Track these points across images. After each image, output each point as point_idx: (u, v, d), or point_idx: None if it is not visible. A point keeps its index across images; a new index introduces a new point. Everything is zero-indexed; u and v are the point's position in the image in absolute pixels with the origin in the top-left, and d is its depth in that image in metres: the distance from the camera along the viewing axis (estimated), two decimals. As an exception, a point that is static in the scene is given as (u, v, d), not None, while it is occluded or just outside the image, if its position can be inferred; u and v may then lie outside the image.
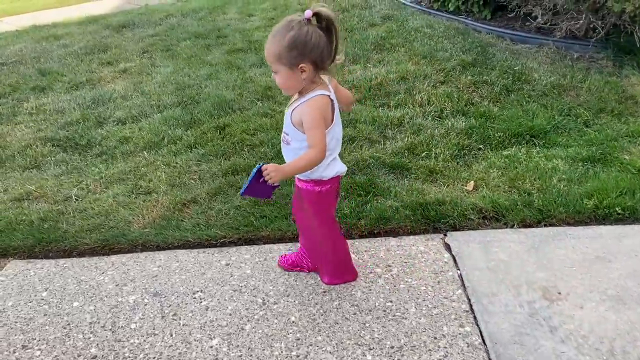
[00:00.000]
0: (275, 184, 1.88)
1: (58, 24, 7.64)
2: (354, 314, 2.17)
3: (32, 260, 2.67)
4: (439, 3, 5.67)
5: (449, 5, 5.54)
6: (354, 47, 5.07)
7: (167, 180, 3.15)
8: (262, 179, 1.84)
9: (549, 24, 4.52)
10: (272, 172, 1.81)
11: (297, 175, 2.08)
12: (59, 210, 2.92)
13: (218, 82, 4.46)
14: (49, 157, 3.49)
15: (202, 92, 4.35)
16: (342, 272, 2.35)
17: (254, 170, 1.83)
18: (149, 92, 4.43)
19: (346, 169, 2.11)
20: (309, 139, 1.86)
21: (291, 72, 1.81)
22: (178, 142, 3.55)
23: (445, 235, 2.61)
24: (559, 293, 2.19)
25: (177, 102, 4.19)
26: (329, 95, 1.90)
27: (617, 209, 2.59)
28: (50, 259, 2.66)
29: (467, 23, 5.31)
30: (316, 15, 1.78)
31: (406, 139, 3.40)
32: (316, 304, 2.24)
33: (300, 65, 1.79)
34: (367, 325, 2.11)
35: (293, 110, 1.91)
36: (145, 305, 2.31)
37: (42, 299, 2.39)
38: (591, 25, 3.98)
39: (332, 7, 6.62)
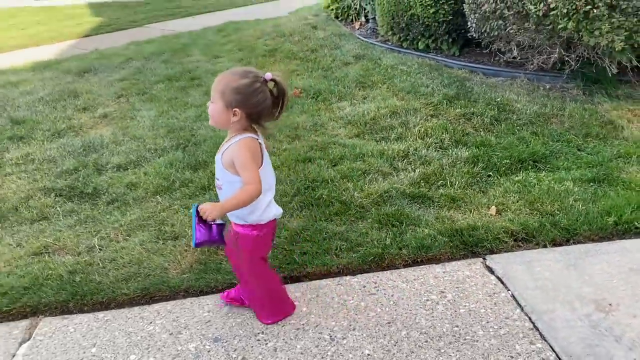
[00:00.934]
0: (218, 222, 2.01)
1: (5, 71, 7.31)
2: (426, 341, 2.22)
3: (66, 316, 2.52)
4: (408, 42, 5.96)
5: (419, 43, 5.85)
6: (337, 85, 5.23)
7: (190, 223, 3.08)
8: (204, 220, 1.97)
9: (519, 58, 4.87)
10: (207, 209, 1.94)
11: (234, 221, 2.17)
12: (86, 262, 2.78)
13: (210, 124, 4.44)
14: (55, 208, 3.32)
15: (196, 133, 4.32)
16: (280, 308, 2.39)
17: (192, 211, 1.98)
18: (141, 136, 4.34)
19: (282, 212, 2.22)
20: (245, 178, 1.98)
21: (225, 110, 1.97)
22: (190, 184, 3.50)
23: (484, 259, 2.72)
24: (610, 305, 2.33)
25: (174, 145, 4.13)
26: (257, 139, 2.05)
27: (635, 223, 2.81)
28: (86, 313, 2.53)
29: (437, 60, 5.62)
30: (273, 81, 2.00)
31: (417, 169, 3.53)
32: (385, 335, 2.27)
33: (234, 109, 1.94)
34: (442, 351, 2.16)
35: (223, 152, 2.04)
36: (209, 351, 2.24)
37: (94, 355, 2.27)
38: (566, 59, 4.34)
39: (300, 47, 6.77)
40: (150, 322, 2.44)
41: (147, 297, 2.59)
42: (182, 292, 2.61)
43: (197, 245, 2.00)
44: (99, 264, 2.78)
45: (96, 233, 3.05)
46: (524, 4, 4.17)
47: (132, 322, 2.45)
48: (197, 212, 1.97)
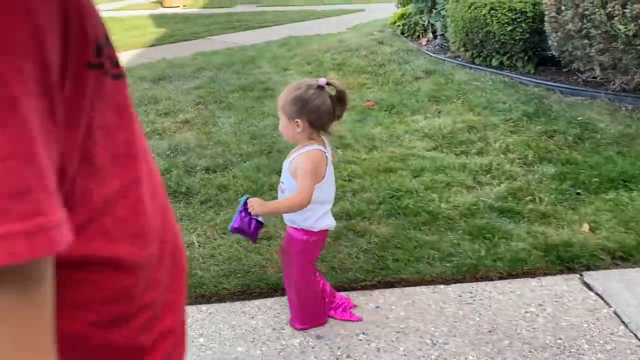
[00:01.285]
0: (259, 219, 2.13)
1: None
2: (530, 351, 2.23)
3: (171, 306, 2.64)
4: (481, 58, 5.97)
5: (492, 60, 5.85)
6: (410, 98, 5.29)
7: (281, 225, 3.19)
8: (248, 212, 2.12)
9: (599, 77, 4.82)
10: (255, 204, 2.09)
11: (287, 224, 2.27)
12: (188, 257, 2.91)
13: (289, 132, 4.57)
14: (152, 205, 3.49)
15: (278, 141, 4.44)
16: (313, 317, 2.42)
17: (242, 200, 2.13)
18: (225, 141, 4.50)
19: (335, 224, 2.27)
20: (298, 186, 2.08)
21: (288, 123, 2.09)
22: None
23: (581, 275, 2.70)
24: None
25: (258, 150, 4.27)
26: (324, 152, 2.11)
27: None
28: (189, 305, 2.65)
29: (512, 77, 5.60)
30: (330, 84, 2.06)
31: (502, 184, 3.53)
32: (487, 343, 2.29)
33: (296, 120, 2.04)
34: (548, 362, 2.16)
35: (291, 160, 2.13)
36: (313, 347, 2.31)
37: (202, 345, 2.37)
38: (651, 79, 4.29)
39: (368, 62, 6.82)
40: (252, 317, 2.53)
41: (247, 293, 2.69)
42: (280, 289, 2.70)
43: (232, 229, 2.16)
44: (199, 259, 2.91)
45: (193, 230, 3.19)
46: (612, 23, 4.14)
47: (234, 316, 2.55)
48: (246, 203, 2.14)
